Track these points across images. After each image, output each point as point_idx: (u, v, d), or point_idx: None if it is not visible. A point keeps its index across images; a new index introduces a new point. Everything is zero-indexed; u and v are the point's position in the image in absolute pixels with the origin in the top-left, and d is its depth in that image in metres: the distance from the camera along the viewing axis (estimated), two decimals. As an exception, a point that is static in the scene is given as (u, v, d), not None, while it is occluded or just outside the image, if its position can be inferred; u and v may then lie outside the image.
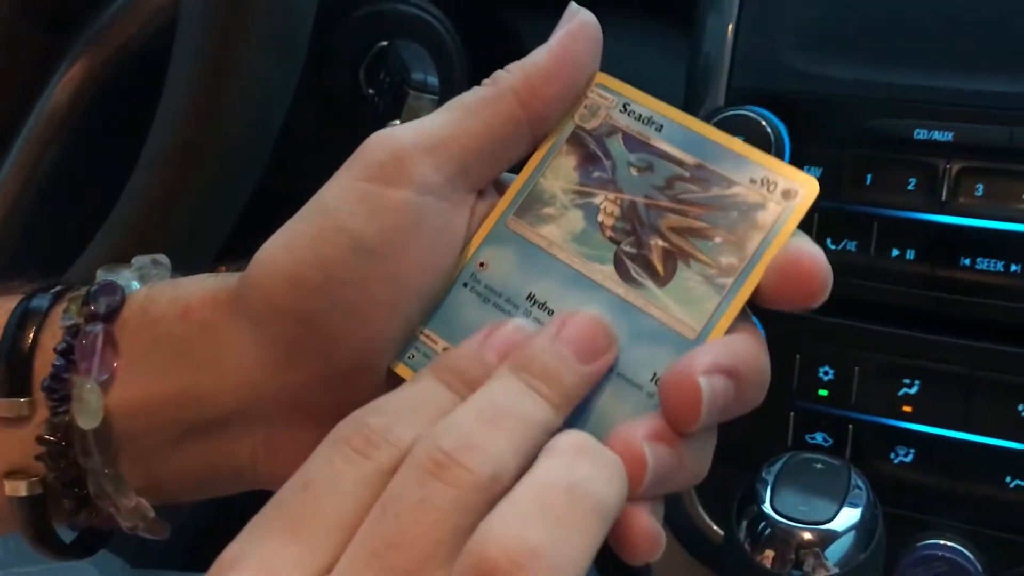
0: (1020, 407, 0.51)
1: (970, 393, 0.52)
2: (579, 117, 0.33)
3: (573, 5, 0.34)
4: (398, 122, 0.49)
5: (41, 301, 0.34)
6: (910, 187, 0.53)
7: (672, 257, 0.30)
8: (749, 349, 0.29)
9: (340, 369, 0.31)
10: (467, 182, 0.32)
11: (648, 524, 0.27)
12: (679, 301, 0.30)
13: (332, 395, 0.31)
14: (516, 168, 0.33)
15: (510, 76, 0.32)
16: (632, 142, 0.32)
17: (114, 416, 0.32)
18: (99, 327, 0.33)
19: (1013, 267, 0.51)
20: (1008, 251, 0.51)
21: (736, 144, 0.31)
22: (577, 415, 0.29)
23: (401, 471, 0.26)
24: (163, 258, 0.36)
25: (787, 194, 0.30)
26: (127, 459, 0.33)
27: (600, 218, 0.32)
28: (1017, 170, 0.51)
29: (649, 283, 0.30)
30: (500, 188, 0.34)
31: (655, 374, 0.29)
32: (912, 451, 0.53)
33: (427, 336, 0.32)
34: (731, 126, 0.54)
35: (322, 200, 0.31)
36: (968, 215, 0.52)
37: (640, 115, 0.33)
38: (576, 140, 0.33)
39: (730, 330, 0.29)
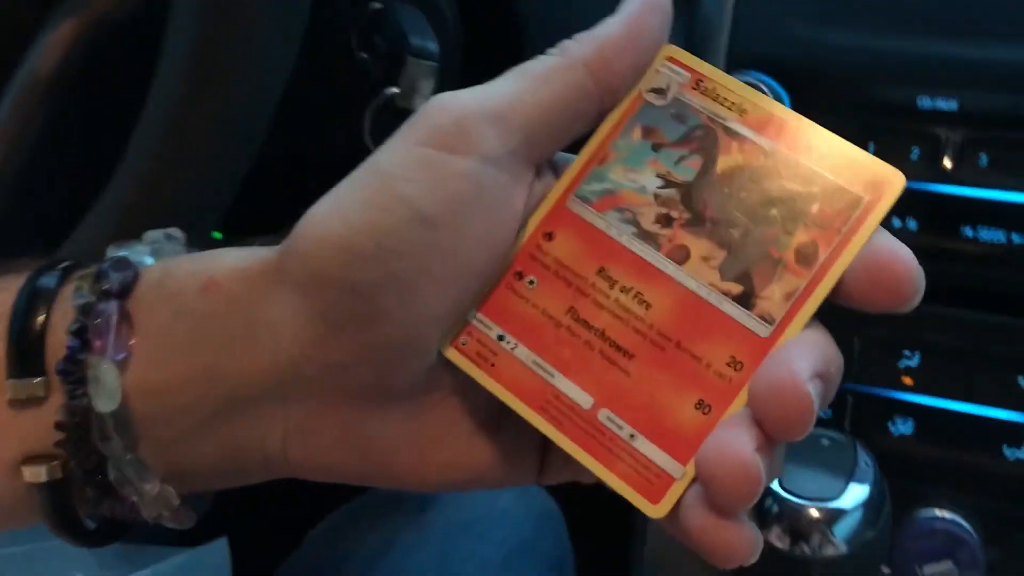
0: (1020, 378, 0.51)
1: (970, 364, 0.52)
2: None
3: None
4: (396, 89, 0.48)
5: (49, 279, 0.33)
6: (913, 156, 0.52)
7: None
8: (831, 347, 0.28)
9: (385, 346, 0.29)
10: (530, 155, 0.31)
11: (755, 534, 0.27)
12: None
13: (374, 374, 0.30)
14: (574, 145, 0.32)
15: (581, 47, 0.31)
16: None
17: (133, 398, 0.31)
18: (113, 304, 0.31)
19: (1015, 238, 0.51)
20: (1011, 222, 0.51)
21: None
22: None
23: None
24: (177, 232, 0.34)
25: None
26: (149, 443, 0.31)
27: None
28: (1021, 140, 0.51)
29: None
30: (555, 168, 0.32)
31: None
32: (911, 422, 0.53)
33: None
34: (732, 93, 0.53)
35: (378, 165, 0.29)
36: (972, 185, 0.51)
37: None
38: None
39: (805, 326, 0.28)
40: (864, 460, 0.46)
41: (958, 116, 0.51)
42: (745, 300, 0.28)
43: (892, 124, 0.53)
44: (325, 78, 0.49)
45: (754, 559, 0.27)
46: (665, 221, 0.30)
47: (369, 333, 0.29)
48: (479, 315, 0.31)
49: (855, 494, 0.44)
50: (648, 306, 0.29)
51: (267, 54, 0.38)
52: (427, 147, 0.29)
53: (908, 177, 0.52)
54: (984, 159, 0.51)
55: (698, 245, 0.29)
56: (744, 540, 0.27)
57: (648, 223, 0.30)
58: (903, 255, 0.27)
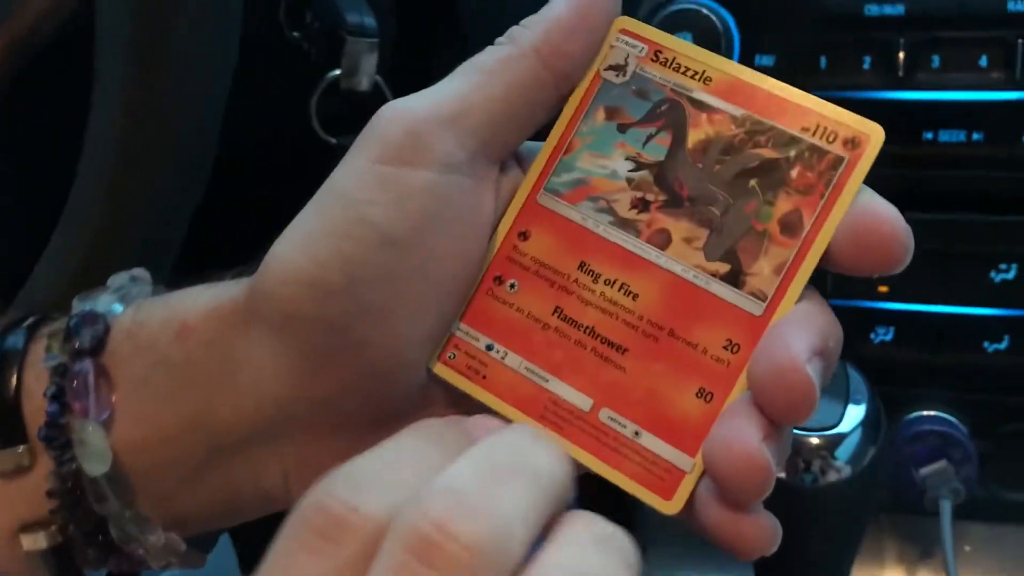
0: (992, 274, 0.52)
1: (943, 266, 0.52)
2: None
3: None
4: (339, 71, 0.46)
5: (15, 340, 0.31)
6: (866, 66, 0.52)
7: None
8: (828, 318, 0.27)
9: (372, 375, 0.29)
10: (491, 154, 0.29)
11: (772, 523, 0.26)
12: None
13: (364, 403, 0.29)
14: (539, 135, 0.31)
15: (529, 32, 0.29)
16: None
17: (123, 455, 0.30)
18: (87, 362, 0.30)
19: (975, 136, 0.51)
20: (969, 121, 0.51)
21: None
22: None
23: (380, 556, 0.20)
24: (142, 272, 0.33)
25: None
26: (147, 497, 0.31)
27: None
28: (970, 37, 0.50)
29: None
30: (520, 159, 0.31)
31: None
32: (891, 330, 0.54)
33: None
34: (676, 22, 0.52)
35: (336, 189, 0.28)
36: (927, 88, 0.51)
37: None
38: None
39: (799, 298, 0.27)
40: (857, 380, 0.46)
41: (906, 20, 0.51)
42: (734, 279, 0.28)
43: (841, 35, 0.52)
44: (262, 69, 0.47)
45: (775, 548, 0.26)
46: (641, 206, 0.29)
47: (352, 365, 0.28)
48: (463, 326, 0.30)
49: (852, 416, 0.45)
50: (635, 297, 0.28)
51: (207, 66, 0.36)
52: (384, 164, 0.28)
53: (862, 87, 0.52)
54: (936, 61, 0.51)
55: (678, 227, 0.28)
56: (762, 532, 0.26)
57: (624, 210, 0.29)
58: (890, 214, 0.26)
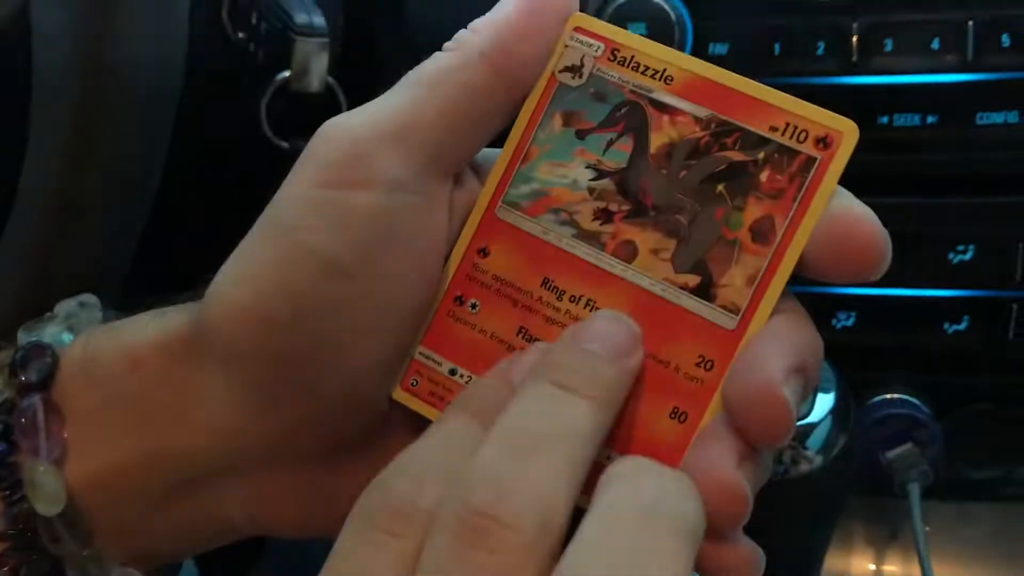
0: (950, 255, 0.52)
1: (902, 249, 0.52)
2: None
3: None
4: (288, 73, 0.44)
5: None
6: (820, 51, 0.52)
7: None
8: (805, 332, 0.26)
9: (328, 408, 0.28)
10: (441, 169, 0.28)
11: (753, 550, 0.25)
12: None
13: (321, 435, 0.28)
14: (497, 142, 0.29)
15: (477, 37, 0.28)
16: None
17: (78, 492, 0.29)
18: (36, 398, 0.29)
19: (929, 118, 0.51)
20: (923, 103, 0.51)
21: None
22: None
23: (429, 544, 0.22)
24: (90, 298, 0.32)
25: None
26: (104, 535, 0.30)
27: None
28: (922, 19, 0.50)
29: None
30: (476, 169, 0.30)
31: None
32: (853, 314, 0.54)
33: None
34: (629, 13, 0.52)
35: (276, 216, 0.27)
36: (881, 72, 0.51)
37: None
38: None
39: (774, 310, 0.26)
40: (825, 368, 0.46)
41: (858, 4, 0.51)
42: (704, 291, 0.27)
43: (794, 22, 0.52)
44: (206, 73, 0.46)
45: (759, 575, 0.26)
46: (605, 216, 0.28)
47: (305, 399, 0.27)
48: (424, 350, 0.29)
49: (822, 405, 0.45)
50: None
51: (151, 86, 0.34)
52: (325, 187, 0.27)
53: (817, 73, 0.52)
54: (890, 44, 0.51)
55: (645, 238, 0.27)
56: (743, 561, 0.25)
57: (587, 221, 0.28)
58: (866, 218, 0.25)
